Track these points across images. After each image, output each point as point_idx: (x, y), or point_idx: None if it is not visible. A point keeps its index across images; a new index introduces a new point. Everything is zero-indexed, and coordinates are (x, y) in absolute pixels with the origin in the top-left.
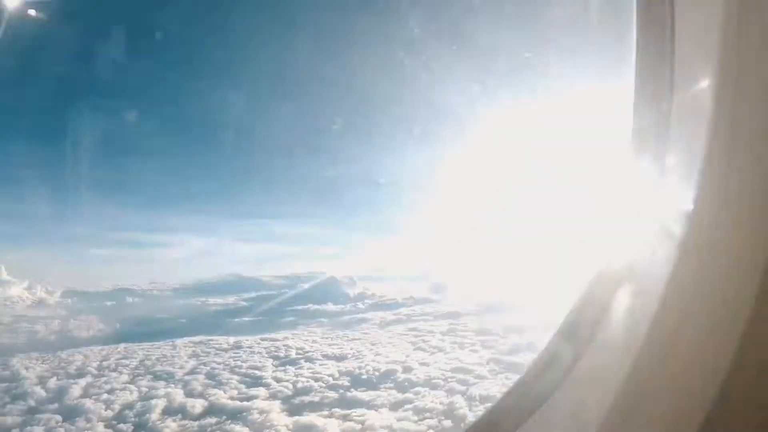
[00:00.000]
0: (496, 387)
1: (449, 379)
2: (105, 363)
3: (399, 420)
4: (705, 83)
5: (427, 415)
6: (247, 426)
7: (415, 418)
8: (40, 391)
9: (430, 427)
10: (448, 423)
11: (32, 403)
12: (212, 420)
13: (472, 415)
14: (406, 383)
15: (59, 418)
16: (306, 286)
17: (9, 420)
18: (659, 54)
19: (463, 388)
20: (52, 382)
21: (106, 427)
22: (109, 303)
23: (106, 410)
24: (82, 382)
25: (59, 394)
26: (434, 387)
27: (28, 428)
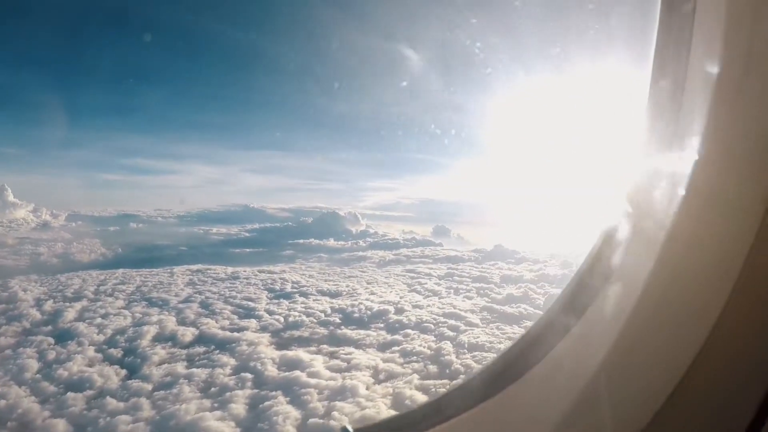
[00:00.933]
0: (486, 336)
1: (440, 324)
2: (102, 287)
3: (385, 361)
4: (713, 79)
5: (414, 358)
6: (234, 357)
7: (401, 360)
8: (36, 313)
9: (414, 371)
10: (433, 368)
11: (27, 324)
12: (200, 349)
13: (459, 362)
14: (397, 325)
15: (51, 340)
16: (309, 220)
17: (2, 340)
18: (677, 49)
19: (453, 334)
20: (49, 305)
21: (96, 351)
22: (112, 228)
23: (98, 334)
24: (78, 305)
25: (54, 316)
26: (424, 331)
27: (20, 349)
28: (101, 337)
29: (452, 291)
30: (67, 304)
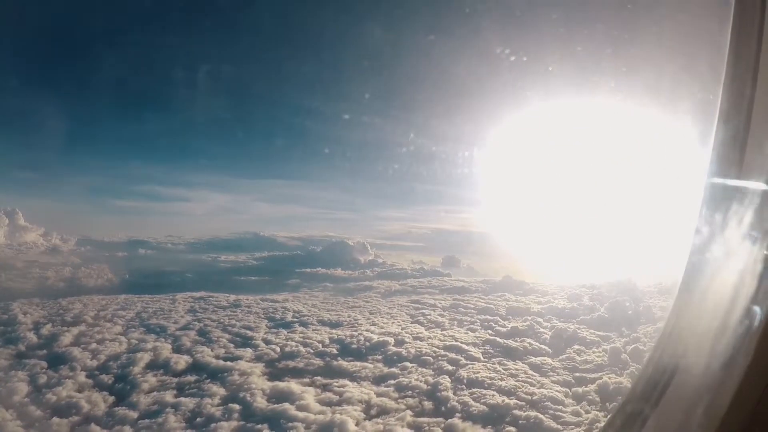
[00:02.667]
0: (486, 372)
1: (440, 358)
2: (102, 313)
3: (379, 395)
4: None
5: (409, 393)
6: (225, 386)
7: (396, 395)
8: (33, 337)
9: (408, 407)
10: (428, 404)
11: (22, 347)
12: (192, 378)
13: (456, 399)
14: (395, 357)
15: (45, 364)
16: (318, 249)
17: None
18: (747, 67)
19: (452, 368)
20: (47, 329)
21: (87, 376)
22: (120, 254)
23: (91, 360)
24: (75, 330)
25: (50, 340)
26: (423, 364)
27: (12, 372)
28: (94, 363)
29: (456, 323)
30: (65, 328)
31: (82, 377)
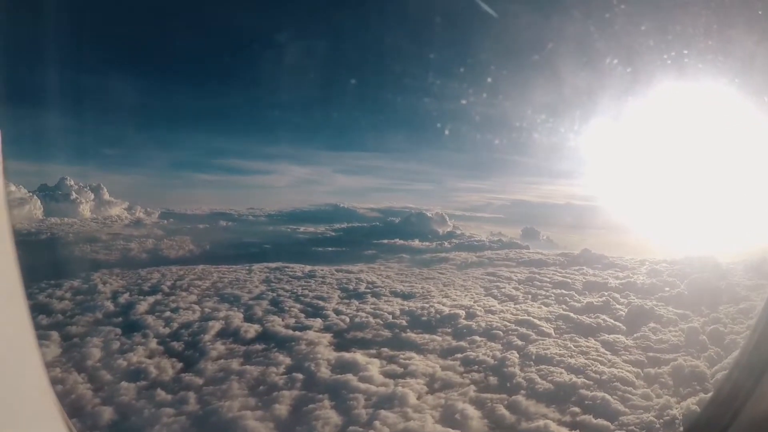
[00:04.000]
0: (557, 348)
1: (511, 332)
2: (179, 282)
3: (444, 369)
4: None
5: (475, 367)
6: (291, 356)
7: (462, 369)
8: (110, 305)
9: (473, 382)
10: (493, 380)
11: (99, 315)
12: (260, 347)
13: (522, 375)
14: (465, 330)
15: (119, 331)
16: (396, 220)
17: (73, 329)
18: None
19: (522, 343)
20: (124, 297)
21: (158, 343)
22: (202, 226)
23: (164, 327)
24: (151, 299)
25: (127, 308)
26: (492, 338)
27: (87, 338)
28: (166, 330)
29: (530, 296)
30: (142, 297)
31: (153, 344)
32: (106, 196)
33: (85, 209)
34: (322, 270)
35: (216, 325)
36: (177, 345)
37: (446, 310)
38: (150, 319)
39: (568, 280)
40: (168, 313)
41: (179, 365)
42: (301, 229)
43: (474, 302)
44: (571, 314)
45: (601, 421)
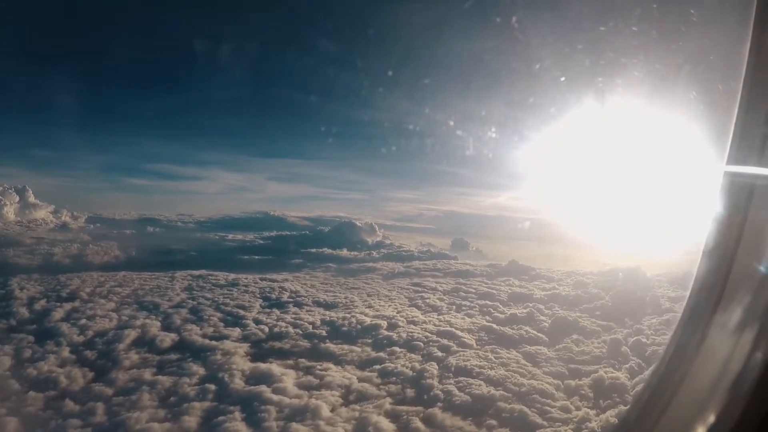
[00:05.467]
0: (477, 360)
1: (432, 343)
2: (99, 289)
3: (361, 380)
4: None
5: (393, 379)
6: (205, 366)
7: (379, 380)
8: (25, 312)
9: (389, 394)
10: (410, 392)
11: (13, 322)
12: (175, 356)
13: (440, 387)
14: (385, 341)
15: (32, 338)
16: (326, 229)
17: None
18: None
19: (442, 355)
20: (40, 304)
21: (71, 352)
22: (129, 231)
23: (78, 335)
24: (68, 306)
25: (42, 315)
26: (413, 349)
27: None
28: (81, 339)
29: (454, 307)
30: (59, 304)
31: (66, 353)
32: (32, 199)
33: (9, 212)
34: (246, 278)
35: (132, 334)
36: (90, 354)
37: (368, 320)
38: (65, 327)
39: (494, 291)
40: (84, 321)
41: (90, 374)
42: (230, 236)
43: (397, 312)
44: (494, 325)
45: None
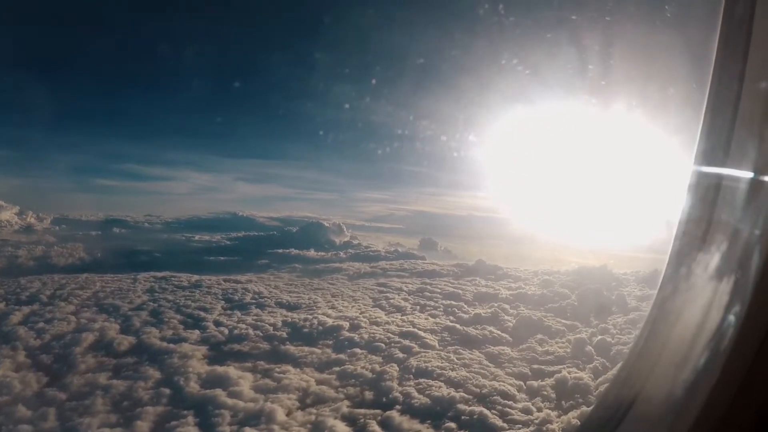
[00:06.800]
0: (439, 361)
1: (393, 344)
2: (59, 292)
3: (319, 383)
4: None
5: (351, 381)
6: (161, 369)
7: (337, 383)
8: None
9: (347, 397)
10: (369, 395)
11: None
12: (131, 360)
13: (399, 389)
14: (346, 342)
15: None
16: (294, 230)
17: None
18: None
19: (404, 356)
20: None
21: (27, 356)
22: (95, 233)
23: (35, 339)
24: (27, 309)
25: None
26: (374, 351)
27: None
28: (37, 342)
29: (418, 307)
30: (17, 307)
31: (21, 357)
32: None
33: None
34: (209, 279)
35: (90, 337)
36: (46, 358)
37: (330, 321)
38: (22, 331)
39: (459, 291)
40: (42, 324)
41: (45, 379)
42: (197, 237)
43: (360, 313)
44: (458, 326)
45: None
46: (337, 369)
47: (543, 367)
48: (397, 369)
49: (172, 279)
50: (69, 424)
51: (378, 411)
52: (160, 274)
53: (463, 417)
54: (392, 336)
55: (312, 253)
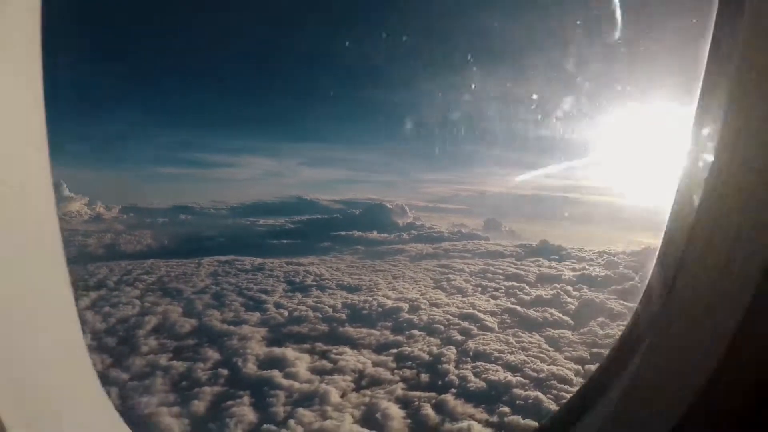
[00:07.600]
0: (497, 344)
1: (452, 327)
2: (125, 278)
3: (375, 365)
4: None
5: (408, 363)
6: (221, 351)
7: (394, 365)
8: None
9: (402, 379)
10: (425, 377)
11: None
12: (191, 342)
13: (456, 372)
14: (405, 324)
15: None
16: (357, 212)
17: None
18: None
19: (462, 338)
20: None
21: (92, 339)
22: (162, 220)
23: (101, 323)
24: (94, 295)
25: None
26: (432, 333)
27: None
28: (103, 326)
29: (479, 289)
30: (84, 293)
31: (87, 340)
32: (66, 193)
33: None
34: (272, 262)
35: (152, 320)
36: (111, 340)
37: (389, 303)
38: (89, 315)
39: (522, 272)
40: (107, 309)
41: (108, 361)
42: (261, 221)
43: (420, 295)
44: (519, 308)
45: (529, 422)
46: (394, 351)
47: (603, 351)
48: (455, 352)
49: (236, 263)
50: (128, 403)
51: (433, 394)
52: (224, 258)
53: (518, 401)
54: (451, 318)
55: (375, 234)
